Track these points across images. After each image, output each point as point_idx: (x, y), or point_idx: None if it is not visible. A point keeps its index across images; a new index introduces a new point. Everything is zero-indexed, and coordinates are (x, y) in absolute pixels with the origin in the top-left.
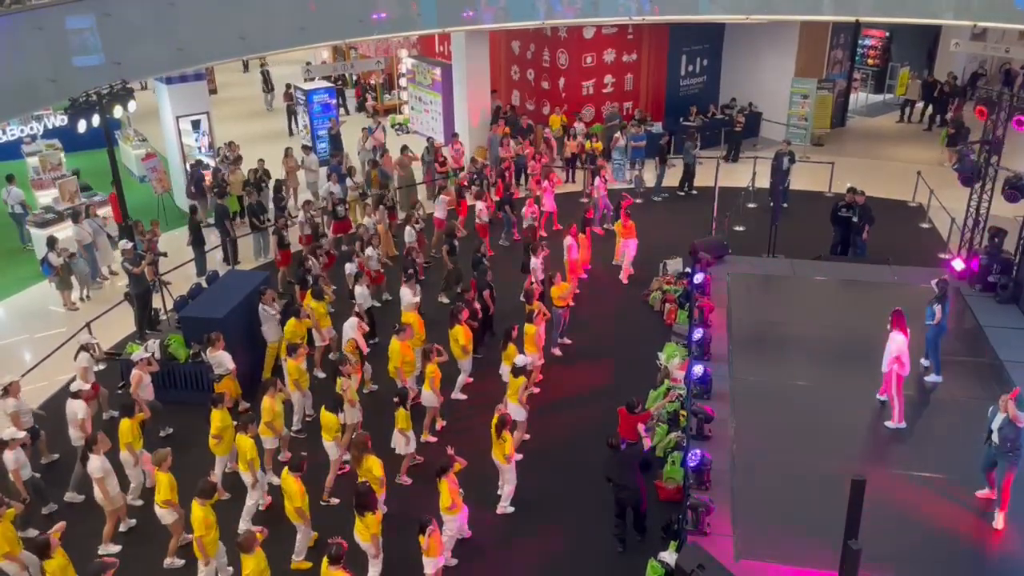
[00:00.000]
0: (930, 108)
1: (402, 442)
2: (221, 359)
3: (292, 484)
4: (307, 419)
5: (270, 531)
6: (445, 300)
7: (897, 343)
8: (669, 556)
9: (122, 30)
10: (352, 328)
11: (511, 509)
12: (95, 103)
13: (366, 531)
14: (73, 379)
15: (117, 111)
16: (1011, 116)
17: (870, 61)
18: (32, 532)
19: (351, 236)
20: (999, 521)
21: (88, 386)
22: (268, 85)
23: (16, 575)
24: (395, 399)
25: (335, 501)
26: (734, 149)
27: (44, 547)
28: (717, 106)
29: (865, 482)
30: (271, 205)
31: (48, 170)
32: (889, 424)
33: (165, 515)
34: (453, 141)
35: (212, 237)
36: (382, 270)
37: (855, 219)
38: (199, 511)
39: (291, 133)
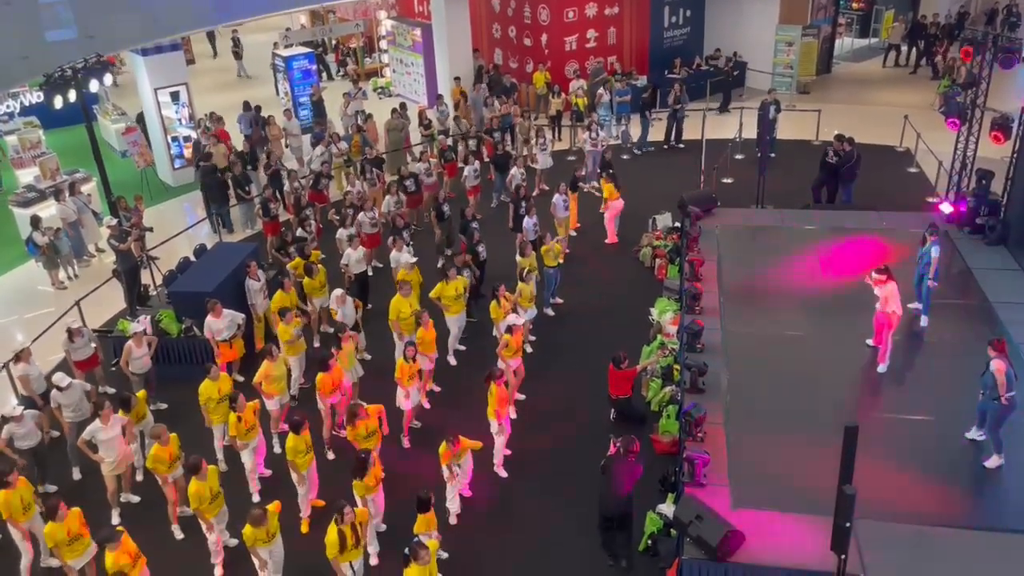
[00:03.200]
0: (914, 51)
1: (401, 396)
2: (211, 324)
3: (289, 441)
4: (302, 386)
5: (280, 494)
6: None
7: (887, 291)
8: (667, 508)
9: (93, 3)
10: (334, 300)
11: (504, 474)
12: (70, 78)
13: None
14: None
15: (93, 85)
16: (996, 56)
17: (855, 5)
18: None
19: (337, 203)
20: (992, 461)
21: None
22: (238, 52)
23: (19, 541)
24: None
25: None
26: (725, 99)
27: (53, 510)
28: (702, 57)
29: (858, 428)
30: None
31: (27, 148)
32: (880, 368)
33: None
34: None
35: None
36: (379, 231)
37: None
38: (192, 486)
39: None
